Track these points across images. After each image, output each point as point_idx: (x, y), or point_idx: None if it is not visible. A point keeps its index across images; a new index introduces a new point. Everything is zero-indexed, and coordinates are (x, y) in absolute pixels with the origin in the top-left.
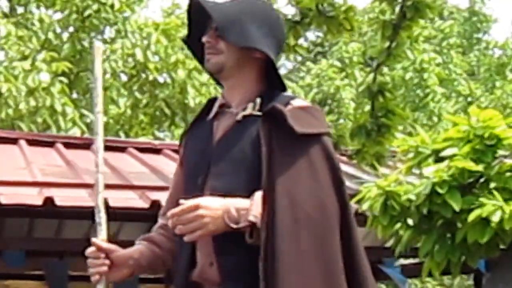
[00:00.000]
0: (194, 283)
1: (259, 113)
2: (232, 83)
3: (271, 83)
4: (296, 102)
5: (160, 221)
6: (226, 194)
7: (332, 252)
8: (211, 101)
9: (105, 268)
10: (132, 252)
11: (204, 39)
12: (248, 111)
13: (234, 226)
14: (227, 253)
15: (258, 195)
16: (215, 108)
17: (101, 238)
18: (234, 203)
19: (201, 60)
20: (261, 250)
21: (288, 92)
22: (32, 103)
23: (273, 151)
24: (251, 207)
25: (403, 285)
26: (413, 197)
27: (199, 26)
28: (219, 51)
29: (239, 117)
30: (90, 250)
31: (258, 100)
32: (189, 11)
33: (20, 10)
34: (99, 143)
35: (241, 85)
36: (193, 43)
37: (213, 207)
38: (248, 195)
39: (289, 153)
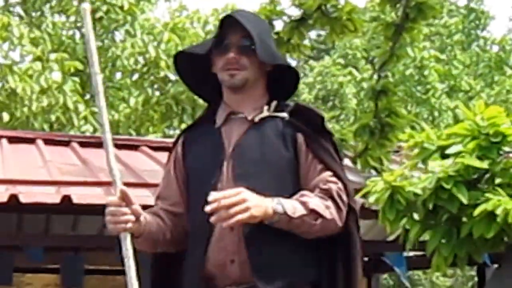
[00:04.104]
0: (206, 279)
1: (279, 114)
2: (247, 94)
3: (275, 92)
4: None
5: (159, 205)
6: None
7: None
8: (209, 110)
9: (130, 224)
10: (144, 212)
11: (230, 55)
12: (265, 113)
13: (292, 214)
14: (260, 251)
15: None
16: (222, 116)
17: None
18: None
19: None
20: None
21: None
22: (45, 101)
23: (309, 143)
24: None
25: (404, 278)
26: (419, 191)
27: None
28: (243, 67)
29: (257, 119)
30: (113, 199)
31: (274, 103)
32: (220, 26)
33: (33, 14)
34: (101, 103)
35: (253, 94)
36: (199, 59)
37: (255, 194)
38: (275, 194)
39: (319, 145)
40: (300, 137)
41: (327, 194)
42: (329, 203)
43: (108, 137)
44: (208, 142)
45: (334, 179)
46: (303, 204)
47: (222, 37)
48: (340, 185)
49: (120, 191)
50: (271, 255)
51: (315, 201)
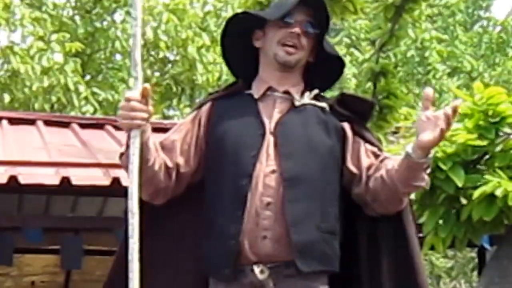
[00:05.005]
0: (236, 251)
1: (320, 104)
2: (291, 75)
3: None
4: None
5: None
6: (299, 176)
7: None
8: (238, 83)
9: (145, 121)
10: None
11: (295, 29)
12: (306, 100)
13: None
14: (301, 230)
15: None
16: (259, 90)
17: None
18: None
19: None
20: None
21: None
22: (46, 82)
23: (357, 131)
24: None
25: None
26: None
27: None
28: (301, 47)
29: (298, 103)
30: (135, 94)
31: (315, 91)
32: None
33: None
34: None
35: (295, 77)
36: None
37: None
38: (319, 178)
39: (368, 132)
40: (345, 126)
41: None
42: None
43: (138, 31)
44: (245, 113)
45: None
46: None
47: (288, 12)
48: None
49: (144, 87)
50: (306, 236)
51: None
